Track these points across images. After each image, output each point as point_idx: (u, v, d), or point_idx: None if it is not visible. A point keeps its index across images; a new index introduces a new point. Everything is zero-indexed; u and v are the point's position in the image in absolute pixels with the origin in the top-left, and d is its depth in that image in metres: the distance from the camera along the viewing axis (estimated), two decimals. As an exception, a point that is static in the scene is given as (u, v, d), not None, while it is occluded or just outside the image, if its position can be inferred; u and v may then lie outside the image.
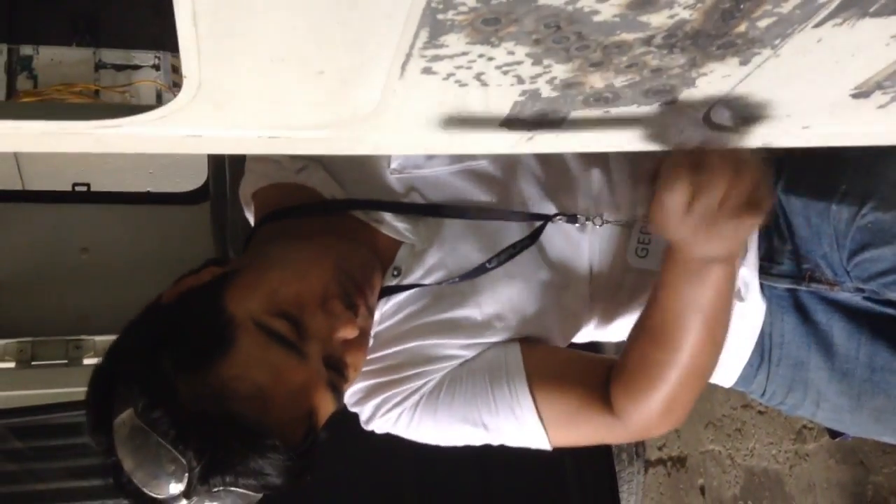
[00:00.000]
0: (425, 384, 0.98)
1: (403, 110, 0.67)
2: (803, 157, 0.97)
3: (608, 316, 1.06)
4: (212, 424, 0.78)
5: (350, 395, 1.01)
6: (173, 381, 0.83)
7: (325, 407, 0.88)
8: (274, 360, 0.83)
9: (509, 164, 1.01)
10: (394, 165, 0.99)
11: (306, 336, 0.85)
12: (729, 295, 0.87)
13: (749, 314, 1.02)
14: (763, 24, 0.59)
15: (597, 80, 0.65)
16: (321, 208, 0.99)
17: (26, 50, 2.56)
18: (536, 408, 0.95)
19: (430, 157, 0.99)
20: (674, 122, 0.74)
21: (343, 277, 0.90)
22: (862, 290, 1.00)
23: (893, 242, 0.91)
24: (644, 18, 0.57)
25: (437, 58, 0.59)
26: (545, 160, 1.01)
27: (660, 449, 2.94)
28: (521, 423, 0.96)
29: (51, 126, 0.66)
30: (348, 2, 0.51)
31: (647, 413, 0.92)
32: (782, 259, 1.02)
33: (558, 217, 0.99)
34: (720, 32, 0.59)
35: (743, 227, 0.79)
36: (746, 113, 0.75)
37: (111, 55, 2.50)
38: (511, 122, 0.72)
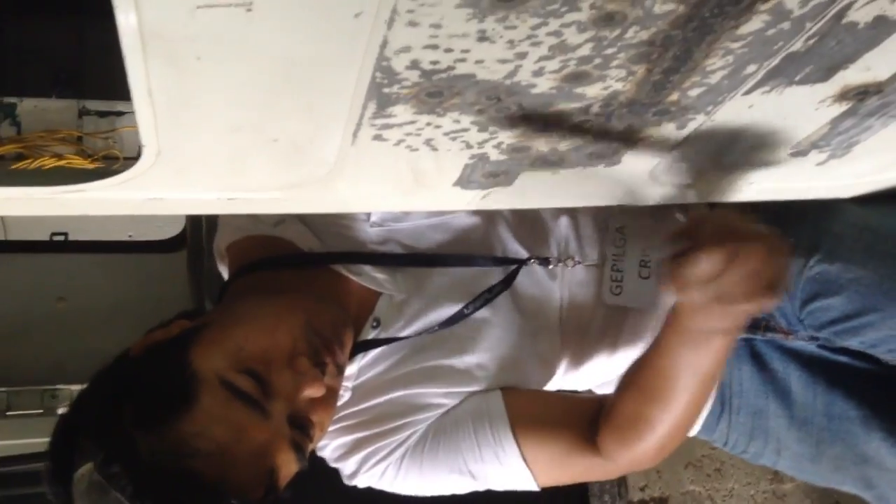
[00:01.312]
0: (410, 436, 0.98)
1: (359, 172, 0.69)
2: (752, 211, 1.00)
3: (578, 361, 1.07)
4: (170, 481, 0.78)
5: (333, 449, 1.01)
6: (133, 436, 0.82)
7: (287, 467, 0.86)
8: (236, 418, 0.82)
9: (486, 214, 1.03)
10: (373, 219, 1.01)
11: (271, 394, 0.84)
12: (726, 359, 0.87)
13: None
14: (694, 93, 0.62)
15: (542, 145, 0.68)
16: (299, 261, 1.00)
17: (9, 97, 2.59)
18: (521, 452, 0.95)
19: (408, 212, 1.01)
20: (621, 181, 0.77)
21: (312, 335, 0.88)
22: (816, 339, 1.02)
23: (841, 292, 0.94)
24: (580, 90, 0.60)
25: (386, 126, 0.62)
26: (520, 215, 1.03)
27: (642, 490, 2.93)
28: (506, 469, 0.96)
29: (16, 192, 0.68)
30: (297, 77, 0.54)
31: (636, 457, 0.94)
32: None
33: (531, 260, 1.01)
34: (653, 101, 0.62)
35: (759, 306, 0.76)
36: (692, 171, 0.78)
37: (95, 102, 2.53)
38: (464, 182, 0.74)
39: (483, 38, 0.51)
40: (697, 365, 0.85)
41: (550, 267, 1.02)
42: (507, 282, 0.99)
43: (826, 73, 0.61)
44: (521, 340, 1.01)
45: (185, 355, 0.86)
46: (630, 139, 0.69)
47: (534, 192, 0.78)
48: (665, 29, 0.53)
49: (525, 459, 0.96)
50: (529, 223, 1.04)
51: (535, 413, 0.98)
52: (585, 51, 0.54)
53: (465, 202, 0.79)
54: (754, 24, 0.53)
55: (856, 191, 0.88)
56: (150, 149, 0.62)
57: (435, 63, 0.54)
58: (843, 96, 0.65)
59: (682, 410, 0.89)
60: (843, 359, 1.03)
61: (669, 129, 0.68)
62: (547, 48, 0.53)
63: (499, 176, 0.74)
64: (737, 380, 1.06)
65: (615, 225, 1.03)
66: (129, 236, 2.70)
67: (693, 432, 1.11)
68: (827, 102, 0.66)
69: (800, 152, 0.75)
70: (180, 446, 0.80)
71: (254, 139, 0.62)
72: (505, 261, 1.00)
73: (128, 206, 0.72)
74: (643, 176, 0.77)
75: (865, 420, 1.01)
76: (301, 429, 0.87)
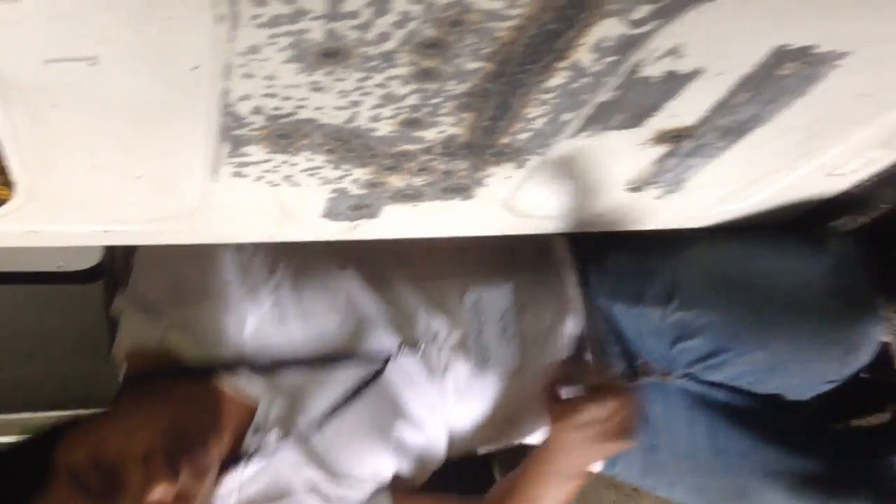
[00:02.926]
0: None
1: (226, 206, 0.74)
2: (615, 269, 1.10)
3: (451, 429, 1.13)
4: None
5: None
6: None
7: None
8: None
9: (353, 315, 1.07)
10: (249, 330, 1.03)
11: (120, 489, 0.85)
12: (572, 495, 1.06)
13: None
14: (523, 137, 0.69)
15: (396, 181, 0.75)
16: (179, 373, 1.01)
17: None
18: None
19: (282, 322, 1.04)
20: (479, 213, 0.84)
21: (172, 437, 0.89)
22: (691, 376, 1.11)
23: (698, 335, 1.02)
24: (418, 134, 0.66)
25: (244, 164, 0.67)
26: (384, 305, 1.07)
27: (567, 513, 3.00)
28: None
29: None
30: (148, 122, 0.59)
31: None
32: (615, 360, 1.15)
33: (401, 348, 1.05)
34: (488, 144, 0.69)
35: (616, 446, 1.01)
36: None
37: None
38: (331, 215, 0.80)
39: (317, 88, 0.57)
40: (557, 497, 1.05)
41: (419, 356, 1.06)
42: (377, 375, 1.03)
43: (637, 120, 0.69)
44: (391, 433, 1.04)
45: (53, 446, 0.88)
46: (477, 177, 0.76)
47: (400, 223, 0.84)
48: (480, 83, 0.60)
49: None
50: (394, 312, 1.08)
51: None
52: (413, 100, 0.61)
53: (338, 233, 0.85)
54: (558, 79, 0.61)
55: (701, 222, 0.97)
56: (22, 186, 0.66)
57: (277, 109, 0.60)
58: (659, 139, 0.73)
59: None
60: (720, 395, 1.12)
61: (509, 168, 0.75)
62: (377, 98, 0.60)
63: (363, 209, 0.80)
64: None
65: (472, 299, 1.09)
66: (59, 267, 2.68)
67: (596, 469, 1.18)
68: (647, 145, 0.74)
69: (635, 188, 0.83)
70: None
71: (118, 177, 0.66)
72: (375, 357, 1.04)
73: (7, 240, 0.76)
74: (499, 209, 0.84)
75: (743, 454, 1.10)
76: None
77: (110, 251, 1.90)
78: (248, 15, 0.49)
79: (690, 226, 0.97)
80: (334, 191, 0.75)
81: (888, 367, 1.20)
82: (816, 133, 0.75)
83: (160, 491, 0.85)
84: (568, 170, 0.77)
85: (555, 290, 1.13)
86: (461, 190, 0.78)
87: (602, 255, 1.14)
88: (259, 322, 1.03)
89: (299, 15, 0.49)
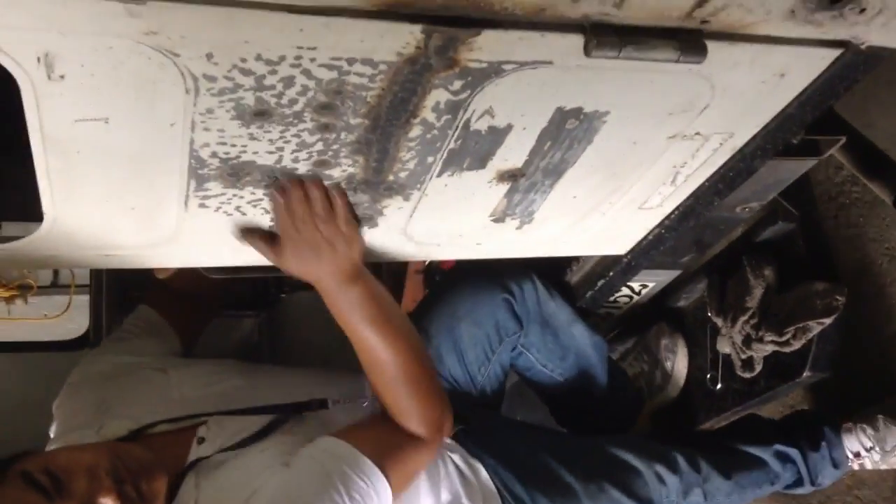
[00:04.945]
0: None
1: (195, 233, 1.03)
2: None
3: None
4: None
5: None
6: None
7: None
8: (26, 499, 1.00)
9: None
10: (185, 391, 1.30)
11: (65, 494, 1.01)
12: (379, 306, 1.10)
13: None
14: (403, 175, 0.99)
15: (317, 212, 1.03)
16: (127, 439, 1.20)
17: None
18: (388, 479, 1.10)
19: (200, 387, 1.32)
20: (383, 240, 1.13)
21: (116, 461, 1.06)
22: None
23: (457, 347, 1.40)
24: (328, 172, 0.96)
25: (206, 197, 0.96)
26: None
27: None
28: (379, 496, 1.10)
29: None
30: (140, 163, 0.88)
31: (421, 421, 1.15)
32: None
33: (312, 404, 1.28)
34: (378, 180, 0.99)
35: (337, 241, 1.02)
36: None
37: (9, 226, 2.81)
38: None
39: (252, 138, 0.87)
40: (357, 316, 1.10)
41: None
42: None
43: (481, 163, 0.99)
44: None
45: (13, 461, 1.07)
46: (377, 208, 1.05)
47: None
48: (363, 133, 0.90)
49: (389, 482, 1.12)
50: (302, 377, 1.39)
51: (378, 440, 1.15)
52: (319, 147, 0.91)
53: (279, 259, 1.13)
54: (416, 131, 0.91)
55: (564, 251, 1.26)
56: (48, 215, 0.95)
57: (227, 153, 0.89)
58: (501, 178, 1.03)
59: (396, 365, 1.13)
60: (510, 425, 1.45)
61: (399, 201, 1.04)
62: (295, 144, 0.90)
63: (296, 237, 1.08)
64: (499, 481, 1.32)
65: None
66: (45, 315, 2.93)
67: None
68: (493, 183, 1.04)
69: (498, 219, 1.13)
70: None
71: (117, 207, 0.95)
72: (297, 406, 1.28)
73: (33, 263, 1.03)
74: (399, 236, 1.13)
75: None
76: None
77: (96, 319, 2.16)
78: (204, 88, 0.79)
79: (553, 254, 1.27)
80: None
81: (733, 374, 1.48)
82: (616, 173, 1.06)
83: (103, 497, 1.02)
84: (442, 203, 1.07)
85: None
86: (368, 219, 1.07)
87: None
88: (180, 388, 1.30)
89: (237, 88, 0.79)
